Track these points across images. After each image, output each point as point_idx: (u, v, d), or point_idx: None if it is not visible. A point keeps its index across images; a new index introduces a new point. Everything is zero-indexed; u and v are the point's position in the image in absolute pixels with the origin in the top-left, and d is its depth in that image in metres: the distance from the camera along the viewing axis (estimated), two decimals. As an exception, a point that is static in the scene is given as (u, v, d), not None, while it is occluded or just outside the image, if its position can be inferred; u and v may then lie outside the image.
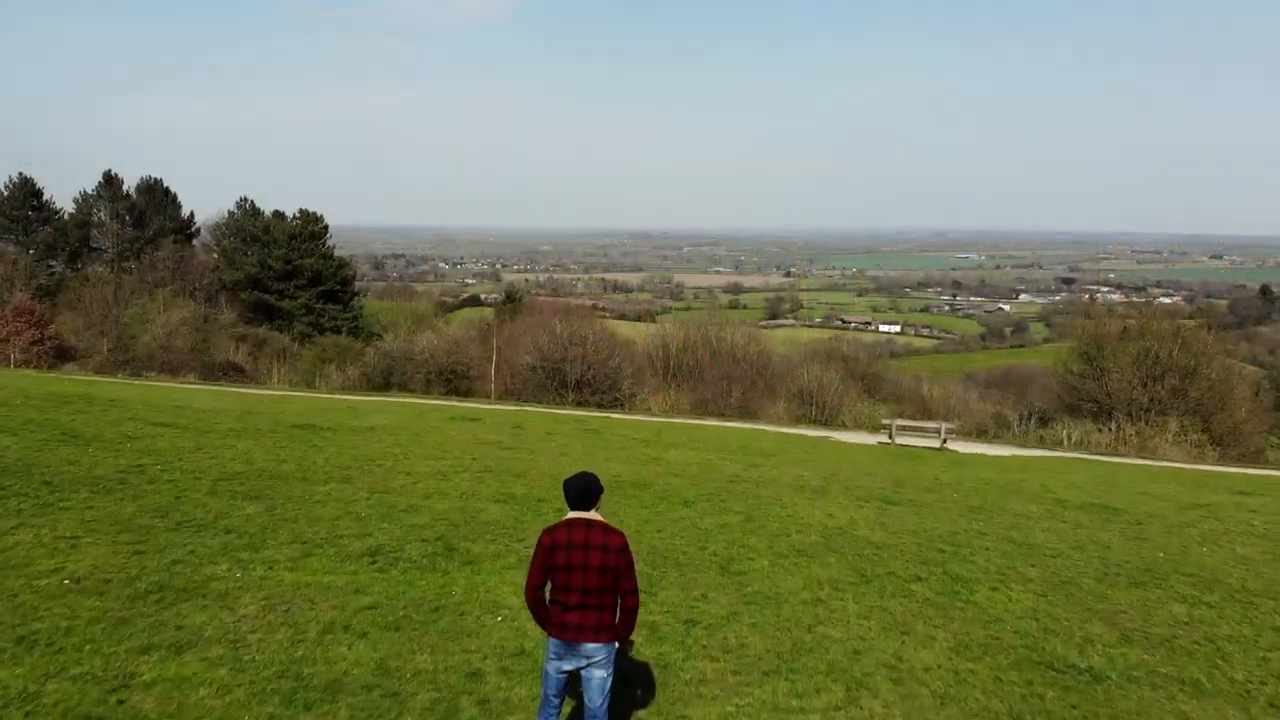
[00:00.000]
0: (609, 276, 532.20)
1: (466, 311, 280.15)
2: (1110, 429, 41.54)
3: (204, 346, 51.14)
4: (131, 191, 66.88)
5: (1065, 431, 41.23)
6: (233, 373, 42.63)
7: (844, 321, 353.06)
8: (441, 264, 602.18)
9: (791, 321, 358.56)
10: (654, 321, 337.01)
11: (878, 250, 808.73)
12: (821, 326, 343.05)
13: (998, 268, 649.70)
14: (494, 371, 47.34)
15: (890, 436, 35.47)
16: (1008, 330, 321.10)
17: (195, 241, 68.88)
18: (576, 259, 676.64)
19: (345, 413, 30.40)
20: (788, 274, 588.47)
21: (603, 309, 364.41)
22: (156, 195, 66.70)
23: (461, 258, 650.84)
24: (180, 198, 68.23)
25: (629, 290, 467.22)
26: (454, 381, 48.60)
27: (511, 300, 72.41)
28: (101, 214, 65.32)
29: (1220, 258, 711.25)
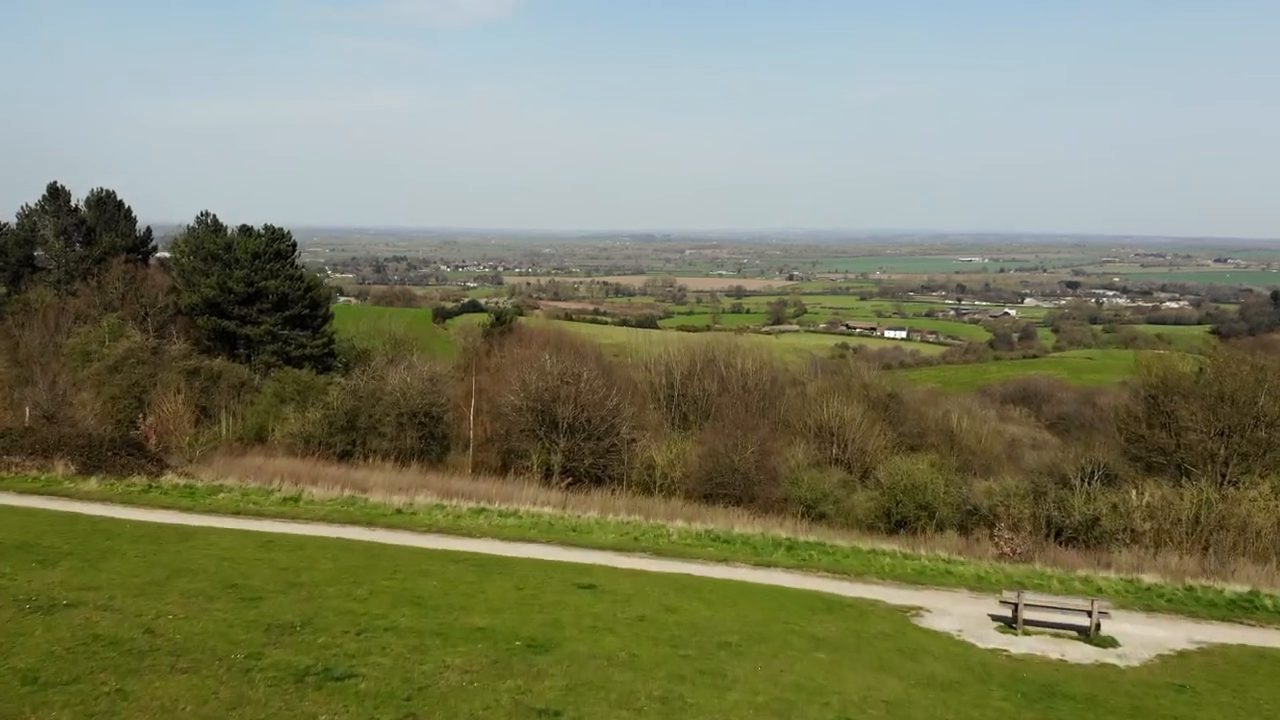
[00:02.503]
0: (610, 279, 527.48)
1: (465, 318, 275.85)
2: (1188, 489, 35.51)
3: (149, 383, 45.19)
4: (81, 205, 60.89)
5: (1137, 495, 35.22)
6: (125, 454, 32.24)
7: (849, 327, 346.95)
8: (443, 266, 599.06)
9: (795, 327, 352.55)
10: (656, 327, 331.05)
11: (880, 253, 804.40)
12: (826, 332, 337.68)
13: (1001, 271, 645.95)
14: (472, 417, 41.32)
15: (1014, 617, 21.10)
16: (1015, 336, 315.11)
17: (154, 259, 62.88)
18: (578, 261, 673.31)
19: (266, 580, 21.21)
20: (790, 277, 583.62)
21: (604, 313, 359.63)
22: (108, 209, 60.78)
23: (463, 260, 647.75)
24: (137, 210, 62.34)
25: (630, 294, 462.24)
26: (428, 426, 42.63)
27: (501, 321, 66.27)
28: (46, 230, 59.43)
29: (1225, 261, 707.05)
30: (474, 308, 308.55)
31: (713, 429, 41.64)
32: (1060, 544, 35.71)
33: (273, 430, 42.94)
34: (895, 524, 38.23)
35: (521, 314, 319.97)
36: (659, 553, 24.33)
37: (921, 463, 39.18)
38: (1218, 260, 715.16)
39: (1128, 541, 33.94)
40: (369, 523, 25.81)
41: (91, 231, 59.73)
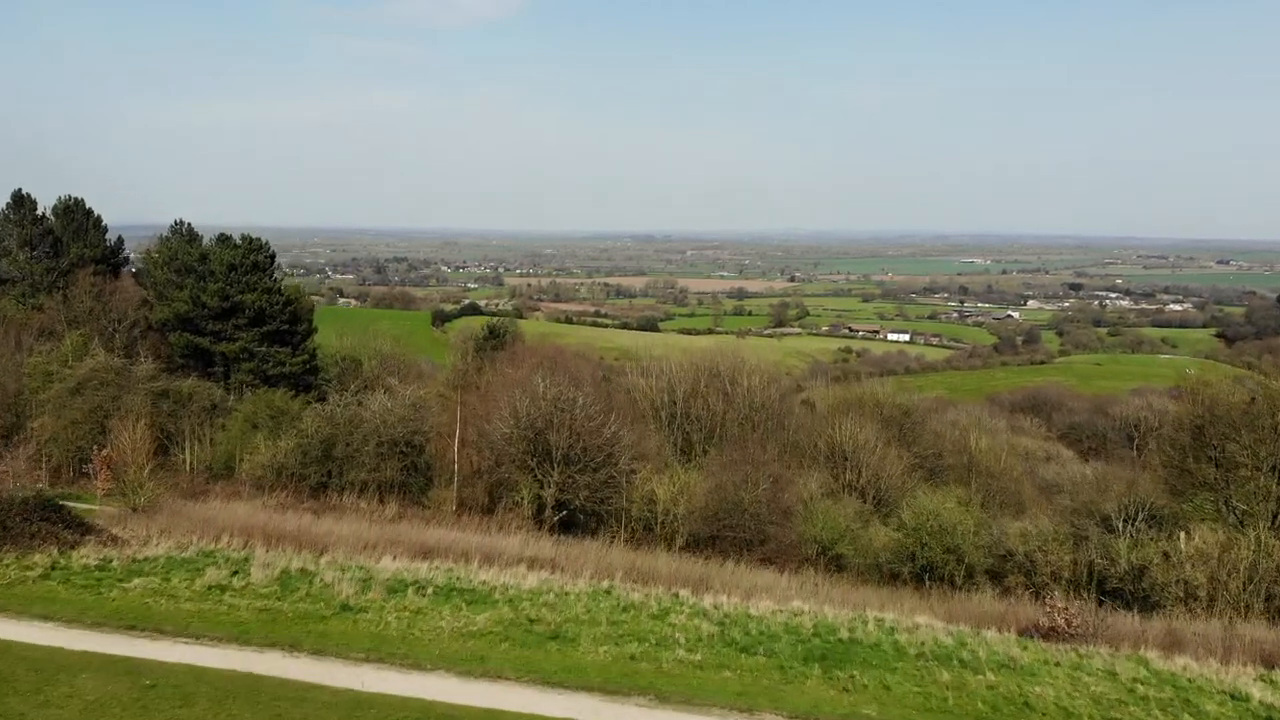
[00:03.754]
0: (611, 281, 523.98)
1: (464, 321, 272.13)
2: (1243, 536, 32.11)
3: (112, 406, 41.84)
4: (48, 213, 57.45)
5: (1186, 539, 31.82)
6: (39, 520, 24.96)
7: (851, 330, 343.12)
8: (444, 267, 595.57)
9: (798, 330, 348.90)
10: (657, 330, 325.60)
11: (882, 254, 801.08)
12: (829, 335, 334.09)
13: (1004, 273, 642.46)
14: (457, 449, 37.88)
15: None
16: (1019, 340, 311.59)
17: (126, 271, 59.40)
18: (579, 262, 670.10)
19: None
20: (792, 278, 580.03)
21: (605, 315, 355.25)
22: (76, 218, 57.35)
23: (464, 261, 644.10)
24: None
25: (631, 295, 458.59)
26: (410, 456, 39.25)
27: (495, 335, 62.83)
28: (10, 240, 56.02)
29: (1227, 263, 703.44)
30: (473, 310, 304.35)
31: (720, 460, 38.19)
32: (1105, 595, 32.33)
33: (241, 461, 39.59)
34: (920, 569, 34.84)
35: (522, 316, 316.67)
36: (661, 695, 17.93)
37: (948, 500, 35.79)
38: (1220, 262, 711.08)
39: (1180, 595, 30.55)
40: (292, 645, 19.43)
41: (59, 242, 56.38)
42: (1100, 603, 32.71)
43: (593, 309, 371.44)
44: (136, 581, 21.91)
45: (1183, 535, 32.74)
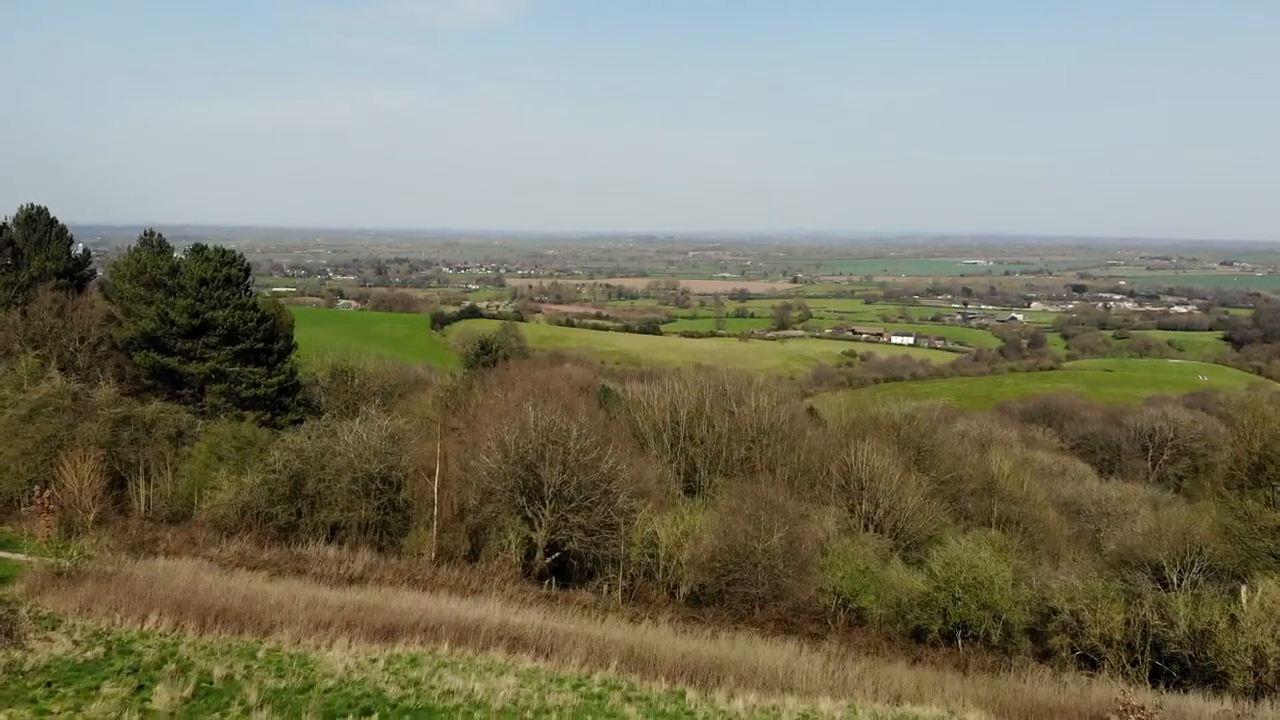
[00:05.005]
0: (613, 282, 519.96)
1: (464, 324, 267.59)
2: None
3: (67, 435, 38.30)
4: (9, 223, 53.83)
5: (1249, 595, 28.22)
6: None
7: (855, 332, 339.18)
8: (445, 268, 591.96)
9: (801, 332, 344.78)
10: (659, 333, 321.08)
11: (884, 255, 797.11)
12: (832, 338, 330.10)
13: (1006, 274, 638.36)
14: (437, 490, 34.23)
15: None
16: (1024, 343, 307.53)
17: (93, 285, 55.72)
18: (581, 263, 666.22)
19: None
20: (794, 279, 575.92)
21: (606, 318, 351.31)
22: (39, 228, 53.71)
23: (465, 262, 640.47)
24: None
25: (633, 296, 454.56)
26: (387, 494, 35.66)
27: (487, 352, 59.14)
28: (-34, 251, 52.37)
29: (1230, 264, 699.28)
30: (473, 313, 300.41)
31: (729, 498, 34.46)
32: (1162, 661, 28.72)
33: (199, 502, 36.00)
34: (952, 628, 31.20)
35: (522, 319, 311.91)
36: None
37: (982, 548, 32.12)
38: (1224, 263, 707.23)
39: (1249, 664, 26.95)
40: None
41: (20, 253, 52.77)
42: (1156, 670, 29.14)
43: (594, 311, 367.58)
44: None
45: (1244, 590, 29.14)
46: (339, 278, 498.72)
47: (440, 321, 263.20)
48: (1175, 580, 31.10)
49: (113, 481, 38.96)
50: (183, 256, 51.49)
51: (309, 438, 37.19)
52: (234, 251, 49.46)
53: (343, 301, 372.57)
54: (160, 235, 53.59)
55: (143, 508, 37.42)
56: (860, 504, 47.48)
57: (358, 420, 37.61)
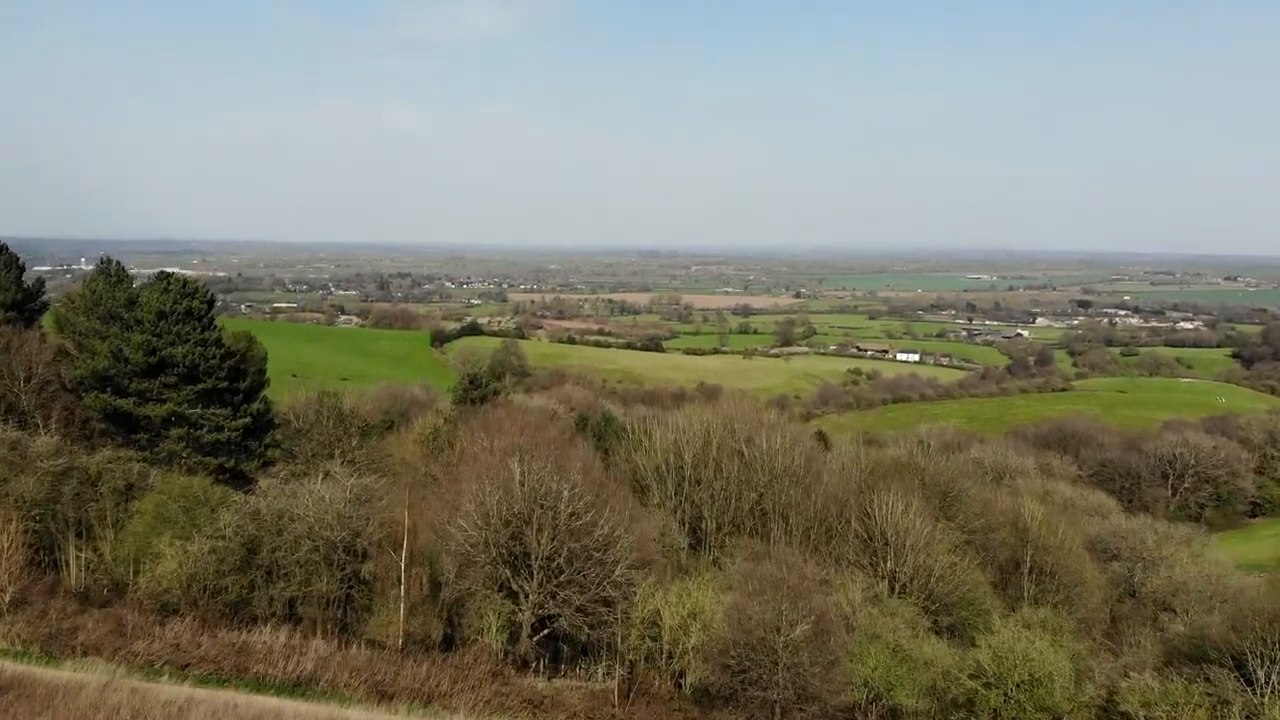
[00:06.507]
0: (616, 297, 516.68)
1: (465, 341, 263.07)
2: None
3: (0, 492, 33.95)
4: (-47, 250, 49.59)
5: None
6: None
7: (860, 349, 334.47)
8: (448, 283, 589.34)
9: (805, 349, 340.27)
10: (661, 350, 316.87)
11: (887, 269, 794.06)
12: (837, 354, 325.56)
13: (1010, 289, 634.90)
14: (405, 565, 29.75)
15: None
16: (1031, 360, 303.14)
17: (46, 317, 51.29)
18: (584, 277, 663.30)
19: None
20: (797, 294, 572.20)
21: (609, 334, 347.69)
22: (-14, 256, 49.56)
23: (469, 277, 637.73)
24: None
25: (636, 311, 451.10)
26: (352, 565, 31.27)
27: (476, 387, 54.72)
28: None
29: (1235, 279, 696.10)
30: (474, 330, 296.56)
31: (744, 585, 29.88)
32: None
33: (138, 574, 31.58)
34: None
35: (524, 336, 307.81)
36: None
37: (1037, 638, 27.57)
38: (1228, 278, 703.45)
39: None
40: None
41: (-37, 284, 48.61)
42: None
43: (596, 326, 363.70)
44: None
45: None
46: (341, 293, 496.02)
47: (440, 339, 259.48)
48: (1262, 676, 26.58)
49: (46, 547, 34.70)
50: (147, 281, 47.25)
51: (264, 498, 32.78)
52: (196, 282, 45.21)
53: (343, 317, 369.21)
54: (119, 263, 49.31)
55: (74, 579, 32.99)
56: (885, 562, 43.04)
57: (319, 479, 33.17)
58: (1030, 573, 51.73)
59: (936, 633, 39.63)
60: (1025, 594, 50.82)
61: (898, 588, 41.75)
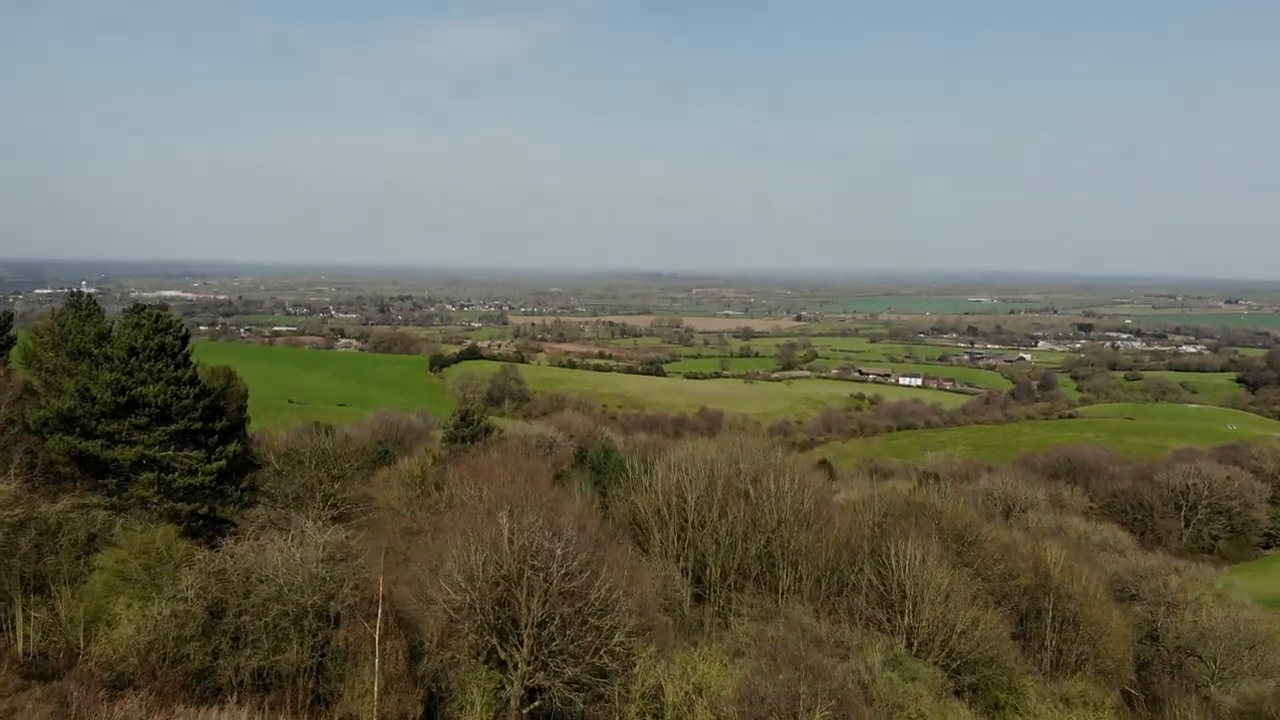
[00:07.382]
0: (616, 319, 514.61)
1: (464, 366, 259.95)
2: None
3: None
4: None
5: None
6: None
7: (862, 373, 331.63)
8: (449, 306, 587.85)
9: (807, 373, 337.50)
10: (662, 374, 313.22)
11: (892, 292, 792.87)
12: (839, 378, 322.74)
13: (1012, 312, 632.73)
14: (379, 637, 27.05)
15: None
16: (1034, 384, 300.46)
17: (11, 352, 48.77)
18: (585, 300, 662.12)
19: None
20: (798, 318, 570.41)
21: (609, 357, 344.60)
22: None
23: (469, 299, 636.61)
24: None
25: (637, 334, 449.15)
26: (324, 632, 28.59)
27: (468, 424, 52.08)
28: None
29: (1236, 302, 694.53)
30: (473, 354, 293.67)
31: (757, 650, 27.24)
32: None
33: (90, 640, 28.91)
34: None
35: (524, 360, 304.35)
36: None
37: (1085, 714, 24.86)
38: (1228, 301, 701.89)
39: None
40: None
41: (-70, 316, 46.26)
42: None
43: (596, 350, 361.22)
44: None
45: None
46: (341, 315, 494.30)
47: (439, 363, 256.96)
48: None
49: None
50: (124, 310, 44.75)
51: (229, 558, 30.14)
52: (169, 316, 42.75)
53: (343, 341, 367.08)
54: (91, 296, 46.98)
55: (21, 645, 30.30)
56: (902, 616, 40.35)
57: (289, 537, 30.53)
58: (1052, 621, 49.10)
59: (958, 693, 36.96)
60: (1048, 644, 48.15)
61: (916, 644, 39.05)
